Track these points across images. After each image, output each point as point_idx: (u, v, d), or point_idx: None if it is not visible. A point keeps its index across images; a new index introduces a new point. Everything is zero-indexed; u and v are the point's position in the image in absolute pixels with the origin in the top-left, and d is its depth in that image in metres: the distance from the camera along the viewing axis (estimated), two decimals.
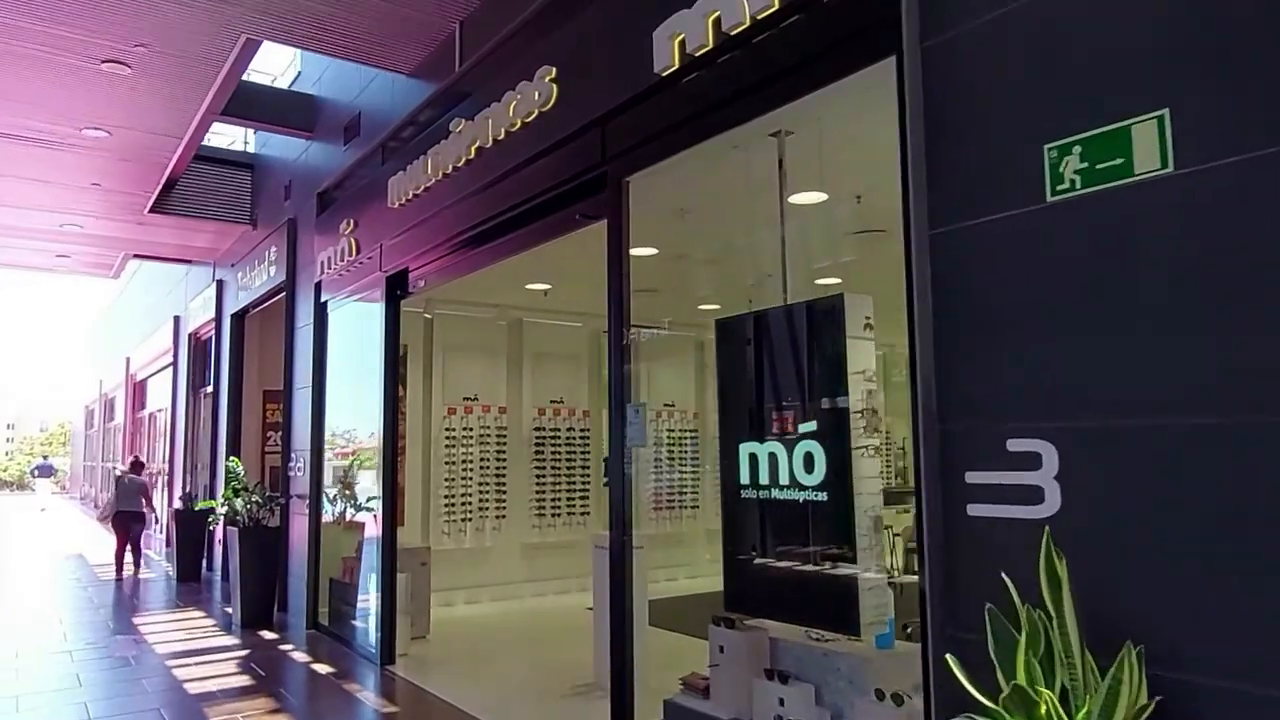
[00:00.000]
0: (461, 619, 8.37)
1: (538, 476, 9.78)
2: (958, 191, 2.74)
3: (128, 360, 21.05)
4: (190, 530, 11.54)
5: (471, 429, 9.31)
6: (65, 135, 8.02)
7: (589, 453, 10.15)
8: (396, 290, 6.95)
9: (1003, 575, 2.34)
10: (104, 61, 6.62)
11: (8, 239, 11.81)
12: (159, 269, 17.29)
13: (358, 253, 7.42)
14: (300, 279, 9.15)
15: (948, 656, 2.33)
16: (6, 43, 6.28)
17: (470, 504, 9.22)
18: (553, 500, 9.85)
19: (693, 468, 11.04)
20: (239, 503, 8.54)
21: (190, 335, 14.17)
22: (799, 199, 4.93)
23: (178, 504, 13.28)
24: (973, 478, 2.61)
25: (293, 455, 9.04)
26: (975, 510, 2.60)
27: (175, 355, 15.30)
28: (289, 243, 9.34)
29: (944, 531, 2.67)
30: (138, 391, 20.71)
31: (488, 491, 9.35)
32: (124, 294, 22.71)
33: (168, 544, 15.31)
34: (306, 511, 8.40)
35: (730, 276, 6.89)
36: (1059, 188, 2.46)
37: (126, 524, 11.93)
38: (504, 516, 9.47)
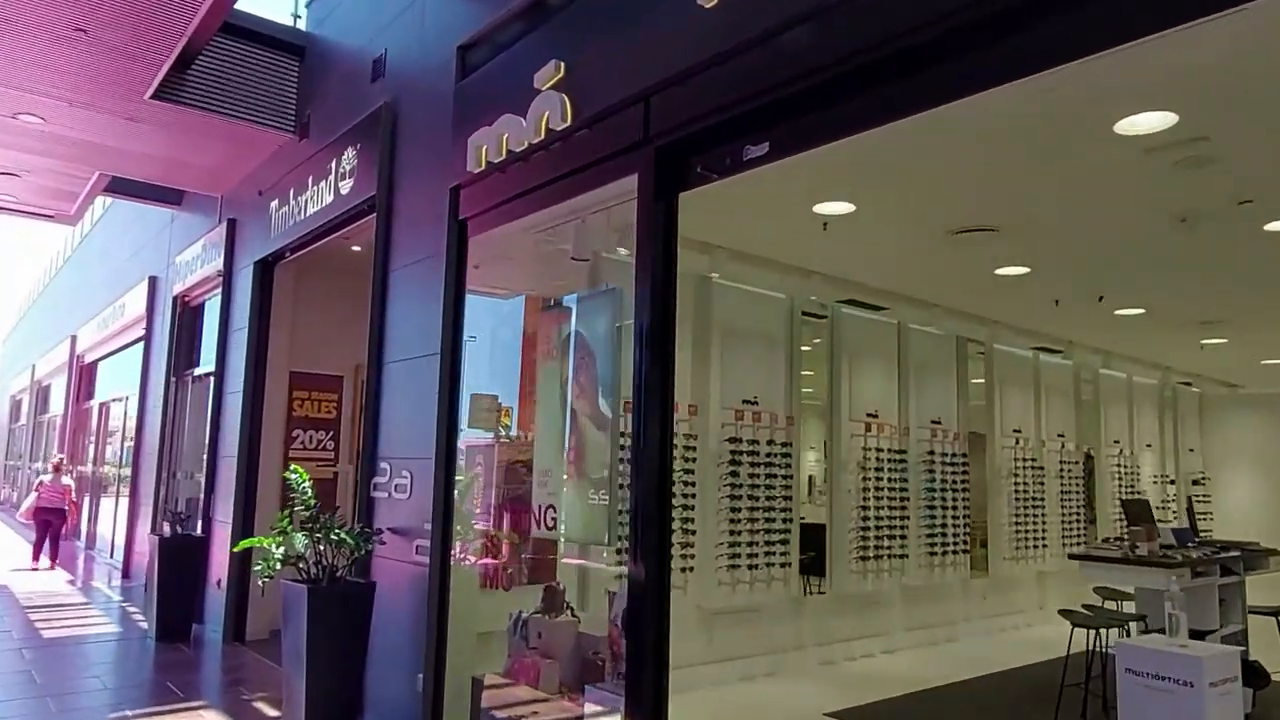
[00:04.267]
0: None
1: (731, 510, 6.62)
2: None
3: (73, 339, 17.18)
4: (178, 568, 8.03)
5: None
6: None
7: (790, 477, 7.02)
8: (680, 173, 3.78)
9: None
10: None
11: None
12: (125, 221, 13.69)
13: (573, 119, 4.23)
14: (404, 190, 5.89)
15: None
16: None
17: None
18: (749, 545, 6.69)
19: (900, 504, 8.01)
20: (300, 541, 5.20)
21: (176, 299, 10.63)
22: None
23: (154, 526, 9.75)
24: None
25: (380, 467, 5.75)
26: None
27: (149, 327, 11.71)
28: (384, 138, 6.07)
29: None
30: (85, 376, 16.86)
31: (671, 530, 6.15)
32: (74, 257, 18.89)
33: (124, 575, 11.65)
34: (424, 558, 5.11)
35: None
36: None
37: (48, 520, 12.54)
38: (691, 569, 6.28)
